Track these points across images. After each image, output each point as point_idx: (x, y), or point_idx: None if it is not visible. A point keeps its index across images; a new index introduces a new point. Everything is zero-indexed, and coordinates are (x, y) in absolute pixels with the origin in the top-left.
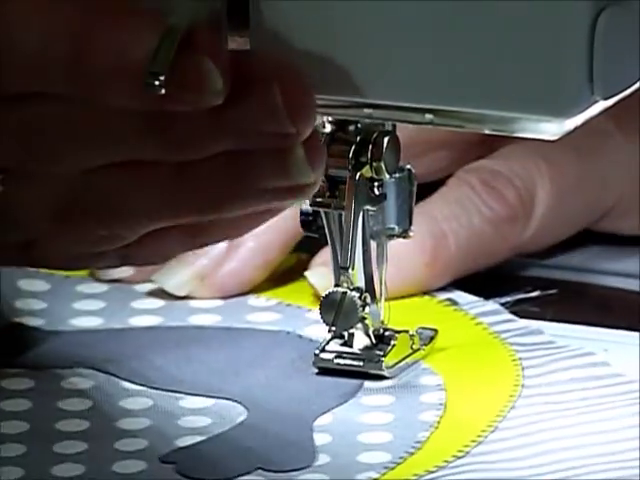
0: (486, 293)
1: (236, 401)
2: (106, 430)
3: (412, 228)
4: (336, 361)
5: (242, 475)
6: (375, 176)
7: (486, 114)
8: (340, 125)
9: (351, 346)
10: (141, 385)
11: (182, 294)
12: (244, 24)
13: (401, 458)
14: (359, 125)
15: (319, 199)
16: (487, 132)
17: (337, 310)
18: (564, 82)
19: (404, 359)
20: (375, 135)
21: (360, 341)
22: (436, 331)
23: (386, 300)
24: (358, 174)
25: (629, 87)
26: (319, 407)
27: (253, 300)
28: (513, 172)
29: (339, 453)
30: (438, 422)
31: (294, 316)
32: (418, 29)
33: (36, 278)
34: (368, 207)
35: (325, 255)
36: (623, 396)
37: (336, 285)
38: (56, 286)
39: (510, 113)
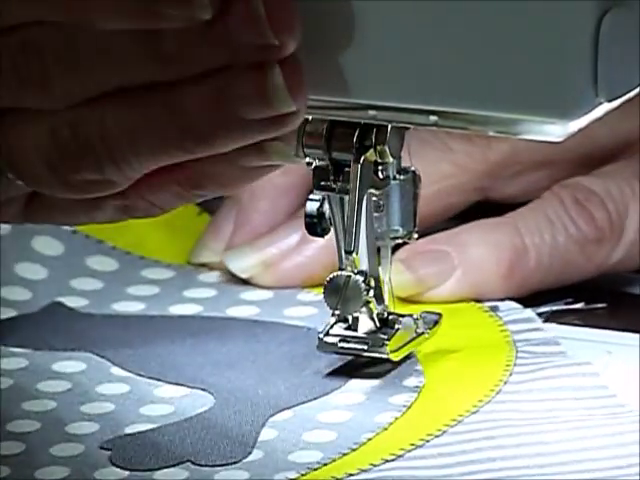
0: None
1: (211, 392)
2: (67, 413)
3: (416, 230)
4: (340, 345)
5: (169, 467)
6: (379, 160)
7: (490, 116)
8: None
9: (355, 330)
10: (130, 372)
11: (244, 277)
12: None
13: (330, 459)
14: None
15: (323, 183)
16: (491, 134)
17: (341, 294)
18: (568, 84)
19: (408, 343)
20: None
21: (364, 325)
22: (440, 315)
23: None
24: (362, 158)
25: (633, 89)
26: (284, 403)
27: (303, 295)
28: (608, 193)
29: (275, 450)
30: (390, 424)
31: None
32: (421, 31)
33: (109, 256)
34: (372, 191)
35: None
36: (599, 410)
37: (340, 269)
38: (124, 266)
39: (514, 115)
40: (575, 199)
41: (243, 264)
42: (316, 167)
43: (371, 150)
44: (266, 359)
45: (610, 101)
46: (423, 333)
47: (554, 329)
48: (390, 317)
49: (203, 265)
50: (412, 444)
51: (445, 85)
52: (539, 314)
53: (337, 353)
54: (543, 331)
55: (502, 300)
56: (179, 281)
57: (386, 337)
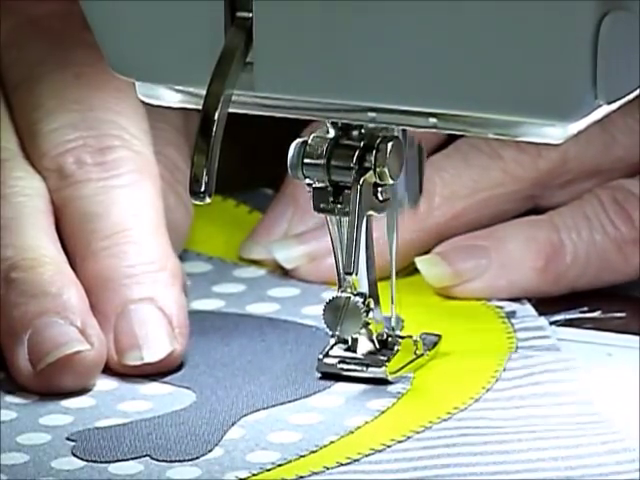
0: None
1: (194, 391)
2: (45, 405)
3: (421, 197)
4: (339, 366)
5: (126, 460)
6: (379, 181)
7: (489, 118)
8: (344, 130)
9: (355, 351)
10: None
11: (289, 267)
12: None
13: (286, 460)
14: (363, 130)
15: (323, 204)
16: (491, 136)
17: (341, 315)
18: (567, 86)
19: (408, 364)
20: (379, 140)
21: (364, 346)
22: (439, 337)
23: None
24: (362, 179)
25: (633, 91)
26: (263, 403)
27: (328, 293)
28: None
29: (236, 449)
30: (358, 428)
31: None
32: (421, 33)
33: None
34: (372, 212)
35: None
36: (573, 419)
37: (340, 290)
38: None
39: (513, 117)
40: (614, 199)
41: (289, 254)
42: (315, 188)
43: (371, 172)
44: (263, 359)
45: (610, 103)
46: (423, 354)
47: (554, 331)
48: (389, 339)
49: (255, 262)
50: (372, 449)
51: (445, 87)
52: (554, 322)
53: (337, 376)
54: (549, 338)
55: (533, 300)
56: (213, 275)
57: (385, 358)
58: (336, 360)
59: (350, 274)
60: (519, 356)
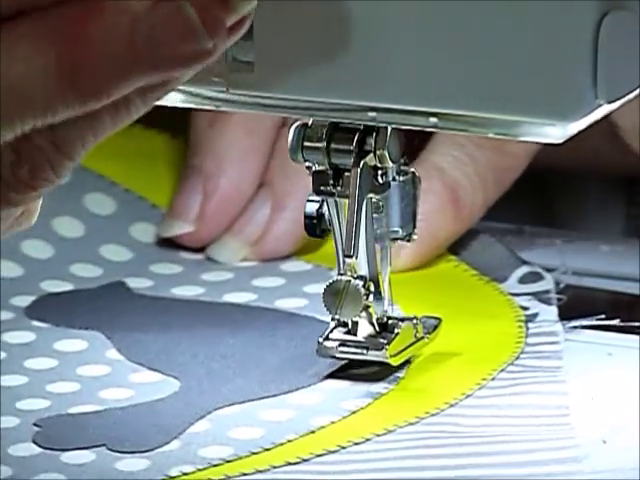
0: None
1: (181, 382)
2: (28, 390)
3: (415, 231)
4: (340, 349)
5: (83, 449)
6: (379, 164)
7: (490, 118)
8: None
9: (355, 334)
10: (123, 355)
11: (236, 262)
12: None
13: (236, 456)
14: None
15: (323, 187)
16: (491, 136)
17: (341, 298)
18: (568, 86)
19: (408, 347)
20: None
21: (364, 329)
22: (440, 320)
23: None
24: (362, 162)
25: (633, 91)
26: (239, 397)
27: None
28: None
29: (192, 443)
30: (321, 427)
31: None
32: (422, 32)
33: None
34: (372, 195)
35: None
36: (544, 429)
37: (339, 273)
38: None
39: (514, 117)
40: None
41: (229, 253)
42: (315, 171)
43: (371, 155)
44: (264, 353)
45: (610, 102)
46: (423, 337)
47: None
48: (390, 321)
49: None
50: (325, 449)
51: (445, 87)
52: (571, 327)
53: (336, 358)
54: (557, 344)
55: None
56: (257, 269)
57: (386, 341)
58: (336, 343)
59: (350, 257)
60: (515, 365)
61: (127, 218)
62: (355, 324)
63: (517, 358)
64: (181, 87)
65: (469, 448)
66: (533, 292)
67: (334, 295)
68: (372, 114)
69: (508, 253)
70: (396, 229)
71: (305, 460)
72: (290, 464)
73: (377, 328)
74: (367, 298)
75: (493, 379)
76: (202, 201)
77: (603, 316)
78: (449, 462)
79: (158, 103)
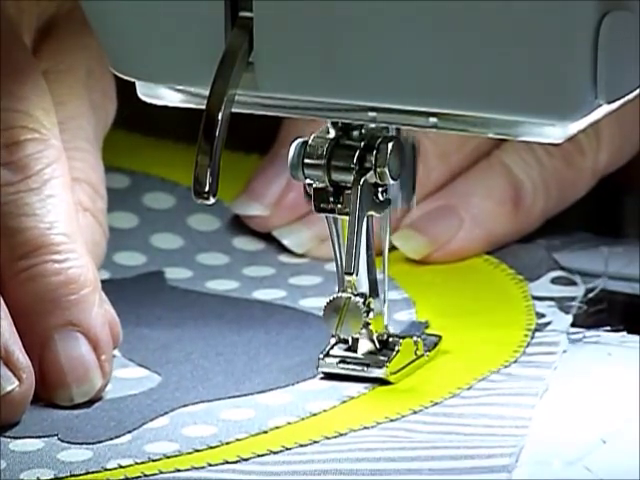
0: None
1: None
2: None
3: (414, 197)
4: (340, 366)
5: (33, 438)
6: (379, 182)
7: (490, 118)
8: (344, 131)
9: (355, 351)
10: (119, 351)
11: (300, 252)
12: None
13: (178, 452)
14: (363, 131)
15: (323, 205)
16: (491, 136)
17: (341, 315)
18: (568, 86)
19: (408, 365)
20: (379, 141)
21: (364, 346)
22: (440, 337)
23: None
24: (362, 179)
25: (632, 91)
26: (210, 396)
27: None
28: None
29: (143, 438)
30: (275, 428)
31: None
32: (421, 32)
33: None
34: (372, 213)
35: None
36: (484, 439)
37: (340, 290)
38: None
39: (514, 117)
40: None
41: (298, 240)
42: (316, 188)
43: (371, 172)
44: (261, 351)
45: (610, 103)
46: (423, 355)
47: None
48: (390, 339)
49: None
50: (269, 450)
51: (445, 87)
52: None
53: (337, 376)
54: (554, 354)
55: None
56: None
57: (386, 359)
58: (336, 360)
59: (350, 274)
60: (500, 374)
61: (186, 210)
62: (355, 341)
63: (506, 367)
64: (182, 87)
65: (410, 453)
66: (558, 297)
67: (335, 312)
68: (372, 114)
69: (546, 255)
70: (395, 195)
71: (245, 459)
72: (227, 462)
73: (377, 345)
74: (367, 315)
75: (469, 388)
76: (283, 189)
77: (609, 328)
78: (386, 466)
79: (158, 103)
